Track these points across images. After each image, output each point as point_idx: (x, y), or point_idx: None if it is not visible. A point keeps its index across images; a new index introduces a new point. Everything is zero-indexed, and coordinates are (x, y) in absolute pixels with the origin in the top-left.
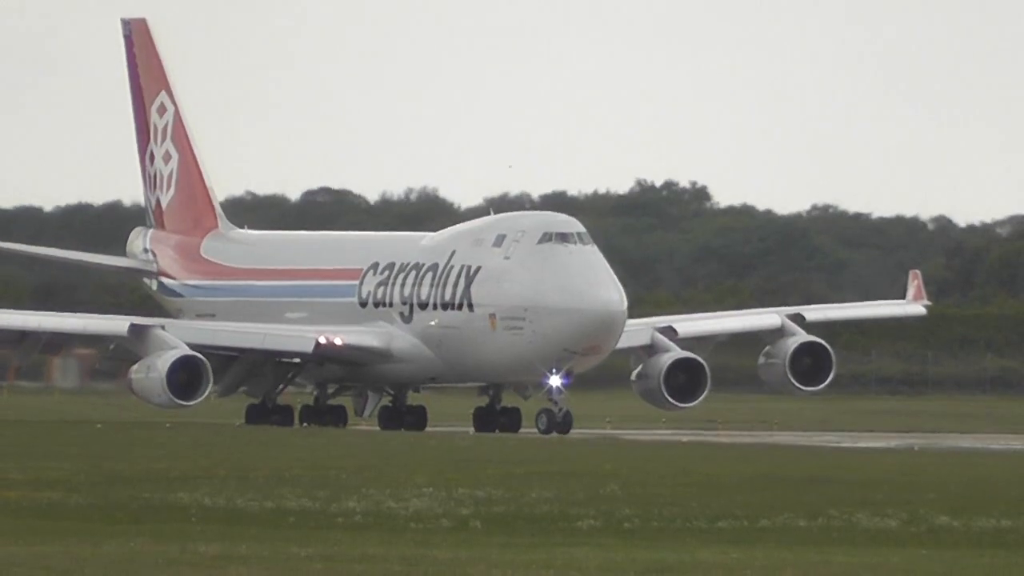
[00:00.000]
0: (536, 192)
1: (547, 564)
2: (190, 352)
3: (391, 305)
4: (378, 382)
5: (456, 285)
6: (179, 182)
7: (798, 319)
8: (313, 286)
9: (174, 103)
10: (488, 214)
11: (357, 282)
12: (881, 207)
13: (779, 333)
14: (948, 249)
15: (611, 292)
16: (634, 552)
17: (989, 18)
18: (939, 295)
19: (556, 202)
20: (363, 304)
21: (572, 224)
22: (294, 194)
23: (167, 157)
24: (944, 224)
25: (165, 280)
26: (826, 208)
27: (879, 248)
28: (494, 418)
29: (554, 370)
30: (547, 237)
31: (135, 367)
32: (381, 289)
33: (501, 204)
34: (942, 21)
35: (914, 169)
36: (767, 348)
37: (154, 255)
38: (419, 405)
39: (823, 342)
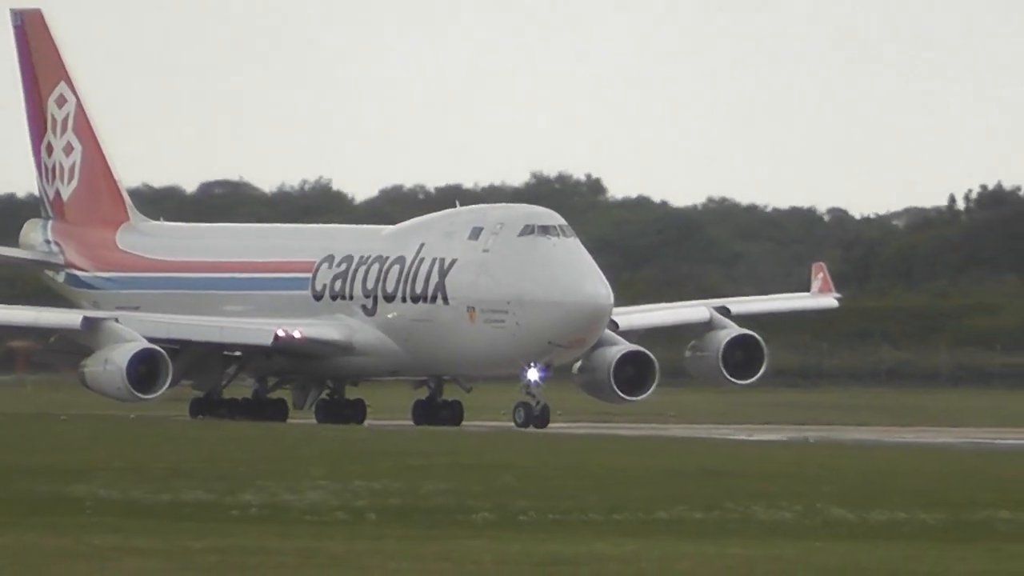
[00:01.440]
0: (431, 184)
1: (443, 556)
2: (149, 345)
3: (351, 298)
4: (334, 376)
5: (429, 278)
6: (83, 173)
7: (724, 312)
8: (260, 279)
9: (75, 94)
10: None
11: (310, 275)
12: (776, 199)
13: (707, 326)
14: (844, 242)
15: (598, 285)
16: (530, 544)
17: (883, 10)
18: (835, 288)
19: (450, 195)
20: (318, 297)
21: (553, 217)
22: (191, 186)
23: (68, 149)
24: (840, 216)
25: (75, 272)
26: (722, 200)
27: (774, 240)
28: (435, 411)
29: (533, 363)
30: (529, 229)
31: (89, 360)
32: (339, 282)
33: (395, 196)
34: (837, 13)
35: (810, 162)
36: (694, 341)
37: (59, 247)
38: (357, 399)
39: (756, 335)
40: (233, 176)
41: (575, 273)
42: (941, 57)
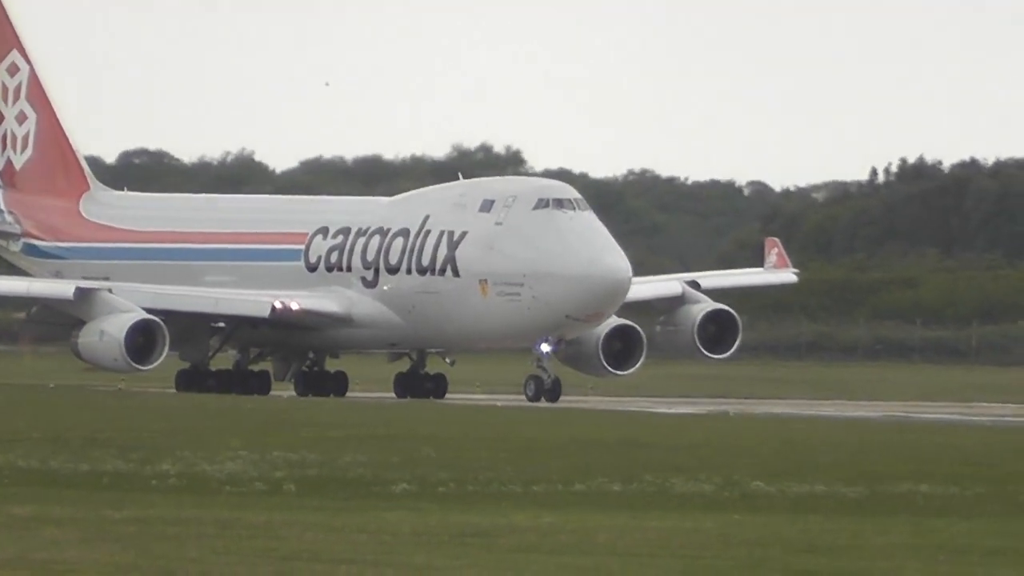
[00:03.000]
0: (350, 155)
1: (361, 528)
2: (147, 316)
3: (349, 270)
4: (331, 348)
5: (437, 250)
6: (38, 142)
7: (694, 286)
8: (246, 250)
9: (28, 62)
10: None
11: (302, 246)
12: (697, 172)
13: (679, 300)
14: (764, 215)
15: (618, 258)
16: (448, 516)
17: None
18: (754, 261)
19: (371, 166)
20: (312, 269)
21: (567, 190)
22: (110, 156)
23: (21, 117)
24: (760, 189)
25: (32, 242)
26: (642, 172)
27: (695, 213)
28: (418, 384)
29: (548, 337)
30: (544, 203)
31: (83, 330)
32: (335, 253)
33: (314, 167)
34: None
35: (730, 134)
36: (664, 316)
37: (15, 216)
38: (339, 371)
39: (730, 309)
40: (152, 146)
41: (594, 246)
42: (861, 31)
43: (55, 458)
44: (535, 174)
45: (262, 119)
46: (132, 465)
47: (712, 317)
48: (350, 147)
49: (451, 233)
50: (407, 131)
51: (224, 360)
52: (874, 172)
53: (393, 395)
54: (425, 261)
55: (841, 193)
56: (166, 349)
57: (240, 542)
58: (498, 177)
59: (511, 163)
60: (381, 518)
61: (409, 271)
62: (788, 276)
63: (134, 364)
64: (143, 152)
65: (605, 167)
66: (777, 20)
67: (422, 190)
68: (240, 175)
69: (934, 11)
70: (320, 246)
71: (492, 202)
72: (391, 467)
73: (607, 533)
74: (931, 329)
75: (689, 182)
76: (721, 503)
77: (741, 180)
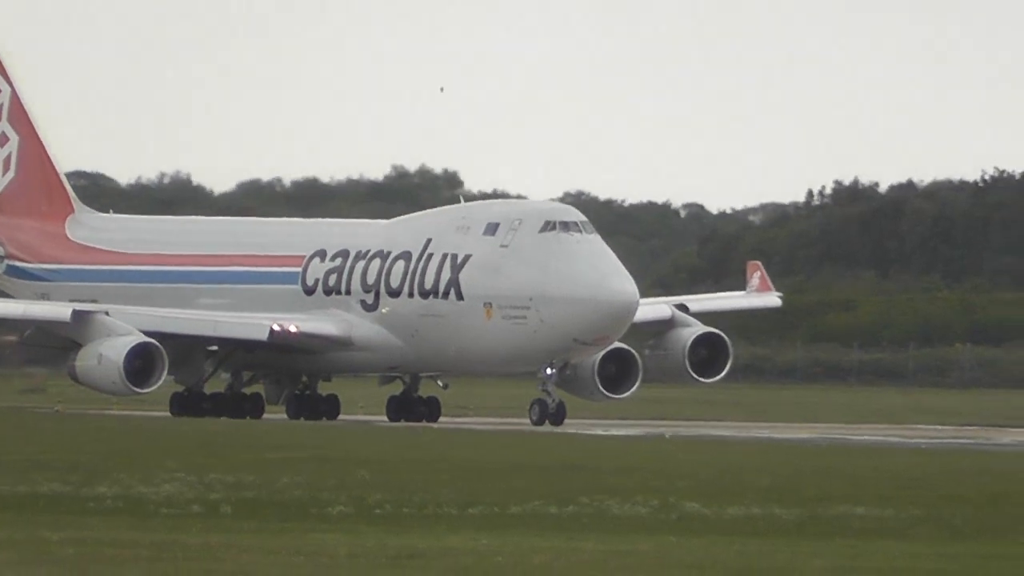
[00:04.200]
0: (288, 178)
1: (297, 550)
2: (145, 339)
3: (348, 293)
4: (331, 371)
5: (440, 273)
6: (21, 164)
7: (682, 310)
8: (241, 272)
9: (10, 84)
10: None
11: (298, 269)
12: (633, 194)
13: (669, 324)
14: (701, 236)
15: (625, 282)
16: (385, 538)
17: (732, 6)
18: (691, 283)
19: (308, 188)
20: (309, 292)
21: (573, 213)
22: None
23: (3, 139)
24: (696, 211)
25: (17, 264)
26: (578, 194)
27: (631, 235)
28: (411, 407)
29: (553, 361)
30: (550, 226)
31: (80, 354)
32: (333, 276)
33: (252, 189)
34: (691, 12)
35: (666, 156)
36: (653, 340)
37: None
38: (331, 394)
39: (721, 333)
40: (89, 168)
41: (602, 269)
42: (796, 54)
43: None
44: (472, 196)
45: (198, 141)
46: (70, 487)
47: (703, 341)
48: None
49: (454, 256)
50: (344, 153)
51: (215, 383)
52: (810, 194)
53: (386, 419)
54: (428, 284)
55: (778, 215)
56: (165, 372)
57: (177, 564)
58: (500, 200)
59: (449, 185)
60: (318, 540)
61: (411, 294)
62: (772, 300)
63: (133, 387)
64: (80, 174)
65: (541, 189)
66: (712, 43)
67: (422, 213)
68: (177, 197)
69: (868, 33)
70: (318, 269)
71: (497, 225)
72: (327, 489)
73: (543, 555)
74: (868, 352)
75: (626, 204)
76: (657, 525)
77: (677, 202)
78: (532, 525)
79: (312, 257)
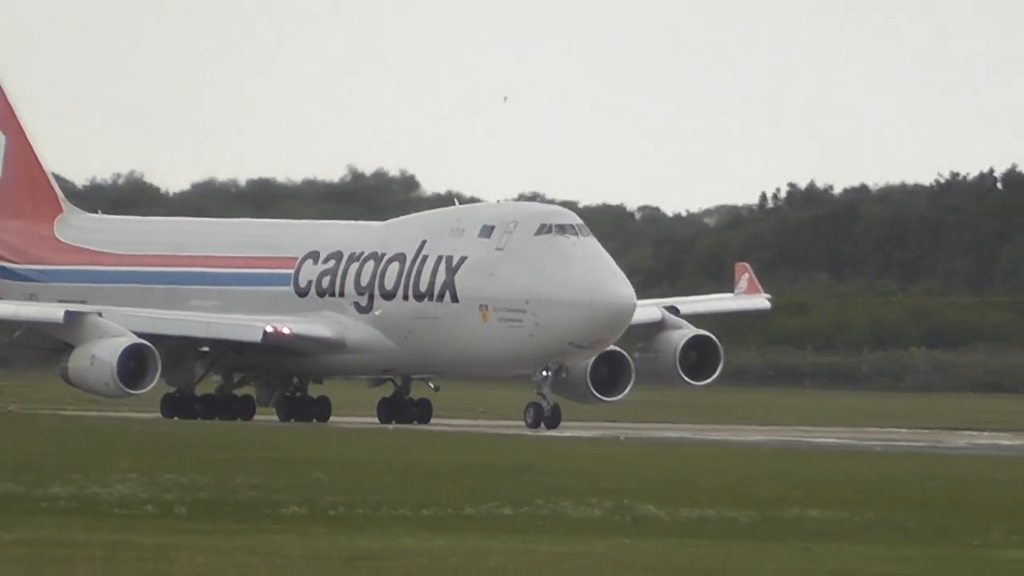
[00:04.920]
0: (243, 178)
1: (251, 551)
2: (138, 340)
3: (342, 295)
4: (324, 374)
5: (435, 275)
6: (8, 165)
7: (672, 311)
8: (233, 274)
9: None
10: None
11: (291, 271)
12: (587, 196)
13: (659, 326)
14: (655, 239)
15: (622, 285)
16: (339, 539)
17: (692, 12)
18: (646, 286)
19: (263, 188)
20: (302, 293)
21: (569, 216)
22: None
23: None
24: (651, 214)
25: (6, 264)
26: (534, 197)
27: None
28: (403, 409)
29: (549, 364)
30: (546, 228)
31: (72, 355)
32: (327, 278)
33: (206, 190)
34: (645, 16)
35: (621, 158)
36: (643, 342)
37: None
38: (322, 396)
39: (712, 335)
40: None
41: (598, 272)
42: (751, 56)
43: None
44: (428, 198)
45: (152, 141)
46: (22, 487)
47: (694, 343)
48: (243, 170)
49: (449, 258)
50: (300, 154)
51: (205, 385)
52: (764, 197)
53: (376, 420)
54: (423, 286)
55: (732, 218)
56: (158, 374)
57: (130, 564)
58: (494, 202)
59: (405, 187)
60: (271, 541)
61: (406, 296)
62: (761, 302)
63: (126, 389)
64: None
65: (496, 191)
66: (668, 45)
67: (416, 215)
68: (132, 198)
69: (821, 37)
70: (311, 271)
71: (492, 228)
72: (281, 490)
73: (498, 557)
74: (822, 355)
75: (580, 206)
76: (611, 527)
77: (632, 205)
78: (487, 526)
79: (305, 259)
